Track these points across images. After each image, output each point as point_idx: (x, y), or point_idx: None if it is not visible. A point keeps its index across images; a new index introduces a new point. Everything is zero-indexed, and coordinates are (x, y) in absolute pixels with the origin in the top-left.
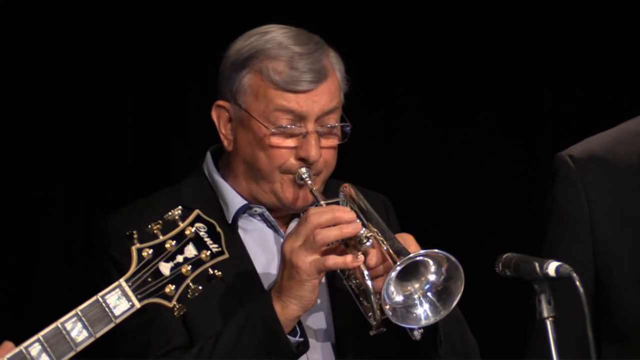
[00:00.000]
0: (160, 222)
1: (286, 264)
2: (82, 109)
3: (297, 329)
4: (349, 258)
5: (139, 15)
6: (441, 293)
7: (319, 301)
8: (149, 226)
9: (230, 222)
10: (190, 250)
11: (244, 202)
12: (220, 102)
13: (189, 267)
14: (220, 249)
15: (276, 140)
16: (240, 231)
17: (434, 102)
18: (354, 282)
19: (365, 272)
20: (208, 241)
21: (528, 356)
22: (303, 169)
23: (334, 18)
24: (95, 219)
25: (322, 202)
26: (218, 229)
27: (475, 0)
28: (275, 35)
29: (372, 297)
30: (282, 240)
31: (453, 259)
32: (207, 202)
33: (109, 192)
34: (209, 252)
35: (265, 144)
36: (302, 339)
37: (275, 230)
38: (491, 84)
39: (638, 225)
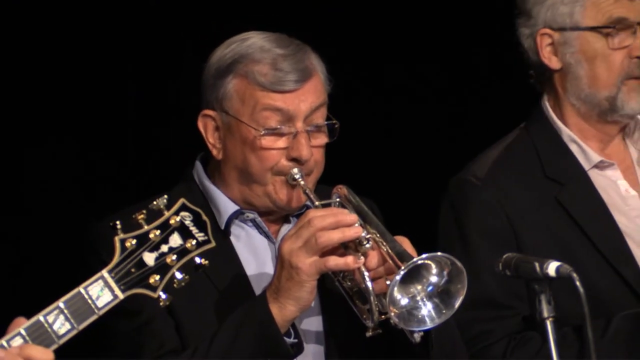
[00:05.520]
0: (144, 211)
1: (284, 265)
2: (81, 109)
3: (291, 330)
4: (350, 259)
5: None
6: (443, 294)
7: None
8: (133, 216)
9: (222, 228)
10: (176, 240)
11: (236, 207)
12: (206, 112)
13: (174, 257)
14: (206, 237)
15: (266, 143)
16: (232, 237)
17: (433, 103)
18: (348, 283)
19: (366, 274)
20: (194, 230)
21: None
22: (295, 170)
23: (334, 20)
24: (87, 223)
25: (316, 203)
26: (204, 217)
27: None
28: (256, 40)
29: (372, 298)
30: (273, 246)
31: (456, 261)
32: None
33: (109, 189)
34: (195, 241)
35: (255, 147)
36: (296, 340)
37: (267, 237)
38: (491, 84)
39: (558, 234)
